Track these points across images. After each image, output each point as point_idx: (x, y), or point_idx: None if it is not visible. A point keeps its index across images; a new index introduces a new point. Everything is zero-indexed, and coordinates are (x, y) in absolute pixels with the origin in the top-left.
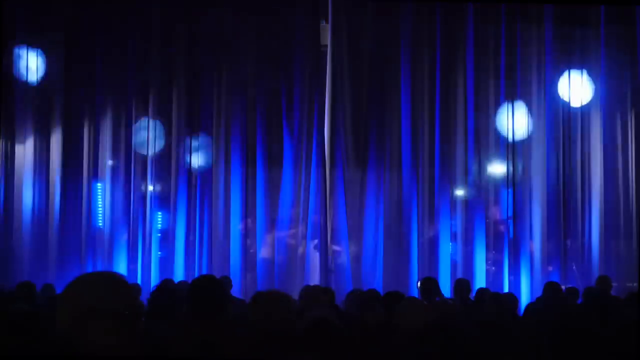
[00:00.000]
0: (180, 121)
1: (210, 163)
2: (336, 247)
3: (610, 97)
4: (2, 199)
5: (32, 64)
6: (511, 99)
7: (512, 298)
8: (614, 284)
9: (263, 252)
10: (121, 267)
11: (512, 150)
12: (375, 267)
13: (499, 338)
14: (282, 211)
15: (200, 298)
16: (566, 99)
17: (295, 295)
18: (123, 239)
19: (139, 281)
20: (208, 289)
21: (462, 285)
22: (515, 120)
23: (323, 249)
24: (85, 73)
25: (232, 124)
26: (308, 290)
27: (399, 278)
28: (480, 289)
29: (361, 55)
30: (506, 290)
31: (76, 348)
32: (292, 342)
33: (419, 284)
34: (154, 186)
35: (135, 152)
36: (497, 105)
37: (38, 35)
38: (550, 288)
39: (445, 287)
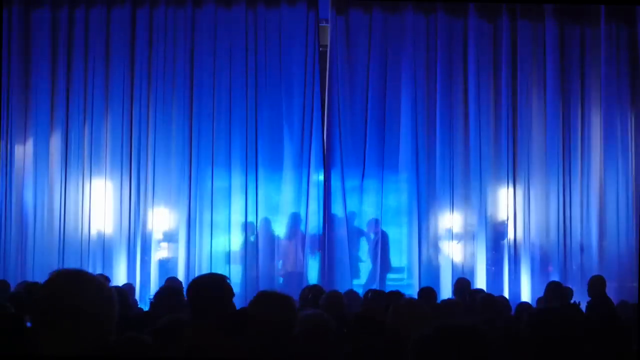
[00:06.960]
0: (180, 122)
1: (210, 164)
2: (336, 248)
3: (610, 98)
4: (2, 199)
5: (32, 64)
6: (511, 98)
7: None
8: (614, 284)
9: (264, 253)
10: (121, 267)
11: (512, 149)
12: (375, 268)
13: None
14: (283, 212)
15: (202, 297)
16: (566, 98)
17: (296, 295)
18: (123, 239)
19: (138, 282)
20: (210, 288)
21: (462, 285)
22: (515, 120)
23: (323, 250)
24: (85, 73)
25: (232, 124)
26: (330, 294)
27: None
28: (475, 290)
29: (361, 56)
30: (506, 290)
31: (40, 348)
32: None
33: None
34: (154, 186)
35: (135, 153)
36: (497, 104)
37: (38, 35)
38: (552, 288)
39: (446, 288)
